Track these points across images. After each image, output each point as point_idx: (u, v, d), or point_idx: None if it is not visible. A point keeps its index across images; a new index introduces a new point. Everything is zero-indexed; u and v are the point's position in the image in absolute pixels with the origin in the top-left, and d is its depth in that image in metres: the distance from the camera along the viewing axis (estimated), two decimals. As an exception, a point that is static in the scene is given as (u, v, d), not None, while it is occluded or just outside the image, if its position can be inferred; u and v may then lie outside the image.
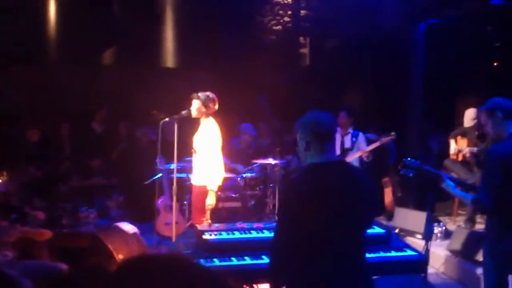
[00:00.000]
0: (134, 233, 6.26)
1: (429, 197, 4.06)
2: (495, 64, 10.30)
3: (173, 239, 5.55)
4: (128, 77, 9.46)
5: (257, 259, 3.52)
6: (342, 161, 2.80)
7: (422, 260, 3.77)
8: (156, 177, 7.14)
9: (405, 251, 3.84)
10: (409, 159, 3.60)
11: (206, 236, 3.69)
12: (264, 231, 3.83)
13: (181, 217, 6.61)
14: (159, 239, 6.63)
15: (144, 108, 9.52)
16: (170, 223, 6.45)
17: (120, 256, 5.83)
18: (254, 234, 3.79)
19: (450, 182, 3.57)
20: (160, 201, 6.76)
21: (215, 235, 3.75)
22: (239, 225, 3.98)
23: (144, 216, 7.29)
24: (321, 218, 2.57)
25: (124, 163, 8.15)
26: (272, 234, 3.72)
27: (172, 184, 6.18)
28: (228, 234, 3.79)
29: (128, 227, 6.25)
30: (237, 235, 3.80)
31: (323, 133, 2.67)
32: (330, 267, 2.60)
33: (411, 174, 3.54)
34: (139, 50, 9.19)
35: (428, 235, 4.01)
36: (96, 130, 8.47)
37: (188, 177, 7.05)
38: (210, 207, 5.48)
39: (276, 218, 2.81)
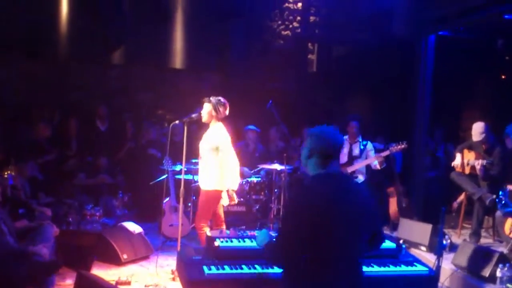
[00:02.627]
0: (139, 234, 6.28)
1: (441, 212, 4.05)
2: (503, 77, 10.32)
3: (179, 242, 5.54)
4: (136, 76, 9.48)
5: (267, 268, 3.51)
6: (343, 173, 2.92)
7: (432, 276, 3.77)
8: (162, 178, 7.15)
9: (415, 265, 3.83)
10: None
11: (217, 243, 3.68)
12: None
13: (185, 219, 6.60)
14: (163, 240, 6.62)
15: (150, 108, 9.58)
16: (174, 225, 6.46)
17: (125, 256, 5.85)
18: (265, 243, 3.78)
19: None
20: (165, 202, 6.75)
21: (226, 242, 3.75)
22: (250, 232, 3.97)
23: (150, 216, 7.30)
24: (323, 227, 2.68)
25: (130, 162, 8.16)
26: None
27: (177, 185, 6.20)
28: (239, 241, 3.78)
29: (134, 227, 6.28)
30: (248, 242, 3.79)
31: (328, 154, 2.83)
32: (328, 274, 2.70)
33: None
34: (148, 49, 9.20)
35: (440, 251, 3.99)
36: (100, 128, 8.48)
37: (194, 180, 7.09)
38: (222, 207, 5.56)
39: (280, 224, 2.87)
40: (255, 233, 3.95)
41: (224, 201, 5.52)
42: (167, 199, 6.72)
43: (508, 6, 6.33)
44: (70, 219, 6.36)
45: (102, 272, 5.50)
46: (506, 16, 6.80)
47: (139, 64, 9.23)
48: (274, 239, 2.86)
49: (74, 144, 8.14)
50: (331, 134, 2.87)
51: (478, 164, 6.77)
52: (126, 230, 6.20)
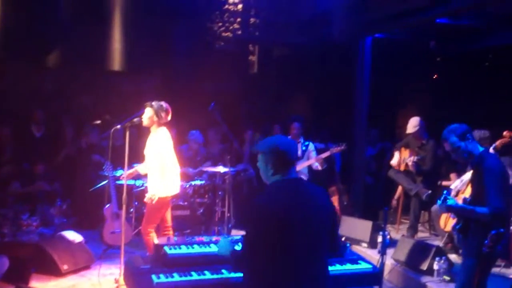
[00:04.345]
0: (79, 242, 6.10)
1: (384, 212, 4.18)
2: (434, 77, 10.81)
3: (122, 249, 5.41)
4: (74, 78, 9.18)
5: (217, 273, 3.51)
6: (301, 179, 2.95)
7: (377, 273, 3.88)
8: (102, 184, 6.97)
9: (359, 263, 3.94)
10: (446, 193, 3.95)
11: (165, 250, 3.63)
12: (224, 244, 3.81)
13: (127, 225, 6.46)
14: (105, 248, 6.46)
15: (89, 111, 9.29)
16: (116, 232, 6.31)
17: (65, 267, 5.66)
18: (213, 248, 3.77)
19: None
20: (106, 209, 6.58)
21: (174, 249, 3.70)
22: (198, 238, 3.94)
23: (90, 224, 7.10)
24: (286, 234, 2.70)
25: (69, 168, 7.90)
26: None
27: (119, 191, 6.07)
28: (188, 248, 3.75)
29: (73, 236, 6.09)
30: (196, 248, 3.76)
31: (284, 162, 2.86)
32: (294, 281, 2.71)
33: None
34: (85, 51, 8.92)
35: (383, 249, 4.12)
36: (35, 134, 8.15)
37: (136, 185, 6.95)
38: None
39: (244, 232, 2.84)
40: (203, 238, 3.94)
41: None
42: (108, 205, 6.56)
43: (439, 10, 6.62)
44: (5, 230, 6.08)
45: (41, 284, 5.30)
46: (438, 20, 7.12)
47: (77, 66, 8.93)
48: (237, 248, 2.86)
49: (8, 151, 7.79)
50: (287, 143, 2.92)
51: (410, 160, 7.06)
52: (65, 239, 6.00)
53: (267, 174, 2.90)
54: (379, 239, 6.49)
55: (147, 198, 5.42)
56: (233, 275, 3.48)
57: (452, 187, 6.15)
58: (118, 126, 5.57)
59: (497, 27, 8.01)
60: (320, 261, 2.84)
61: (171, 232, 5.65)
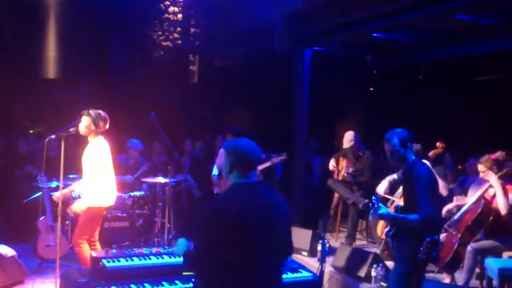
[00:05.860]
0: (12, 257, 5.82)
1: (323, 221, 4.25)
2: (371, 89, 11.17)
3: (57, 263, 5.21)
4: (4, 87, 8.80)
5: (157, 286, 3.44)
6: (260, 182, 2.94)
7: (317, 281, 3.94)
8: (36, 195, 6.71)
9: (300, 272, 3.98)
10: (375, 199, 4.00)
11: (104, 263, 3.53)
12: (164, 256, 3.76)
13: (63, 238, 6.24)
14: (39, 262, 6.20)
15: (21, 121, 8.94)
16: (51, 245, 6.08)
17: (-5, 283, 5.40)
18: (153, 260, 3.70)
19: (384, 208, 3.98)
20: (40, 221, 6.33)
21: (113, 261, 3.61)
22: (138, 250, 3.86)
23: (24, 237, 6.81)
24: (244, 236, 2.69)
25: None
26: (171, 259, 3.70)
27: (54, 203, 5.87)
28: (127, 260, 3.66)
29: (5, 250, 5.81)
30: (136, 261, 3.68)
31: (249, 166, 2.87)
32: (247, 283, 2.73)
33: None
34: (18, 59, 8.60)
35: (323, 258, 4.18)
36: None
37: (72, 196, 6.72)
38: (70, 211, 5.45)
39: (197, 233, 2.79)
40: (143, 250, 3.86)
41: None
42: (43, 218, 6.31)
43: (374, 25, 6.86)
44: None
45: (-31, 302, 5.02)
46: (373, 34, 7.38)
47: (8, 74, 8.57)
48: (191, 248, 2.86)
49: None
50: (251, 147, 2.90)
51: (345, 171, 7.26)
52: (-4, 253, 5.71)
53: (226, 172, 2.90)
54: (319, 247, 6.58)
55: (76, 207, 5.29)
56: (173, 287, 3.43)
57: (379, 188, 6.32)
58: (53, 136, 5.38)
59: (430, 42, 8.40)
60: (277, 265, 2.89)
61: (98, 246, 5.49)
